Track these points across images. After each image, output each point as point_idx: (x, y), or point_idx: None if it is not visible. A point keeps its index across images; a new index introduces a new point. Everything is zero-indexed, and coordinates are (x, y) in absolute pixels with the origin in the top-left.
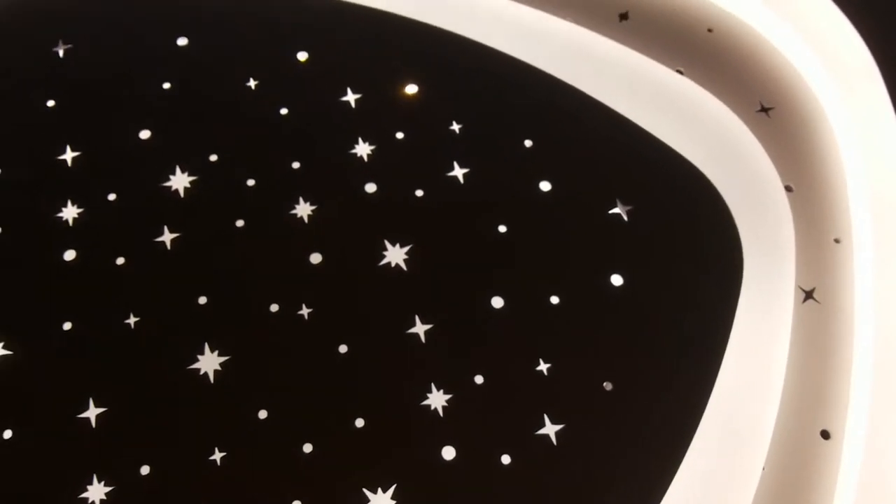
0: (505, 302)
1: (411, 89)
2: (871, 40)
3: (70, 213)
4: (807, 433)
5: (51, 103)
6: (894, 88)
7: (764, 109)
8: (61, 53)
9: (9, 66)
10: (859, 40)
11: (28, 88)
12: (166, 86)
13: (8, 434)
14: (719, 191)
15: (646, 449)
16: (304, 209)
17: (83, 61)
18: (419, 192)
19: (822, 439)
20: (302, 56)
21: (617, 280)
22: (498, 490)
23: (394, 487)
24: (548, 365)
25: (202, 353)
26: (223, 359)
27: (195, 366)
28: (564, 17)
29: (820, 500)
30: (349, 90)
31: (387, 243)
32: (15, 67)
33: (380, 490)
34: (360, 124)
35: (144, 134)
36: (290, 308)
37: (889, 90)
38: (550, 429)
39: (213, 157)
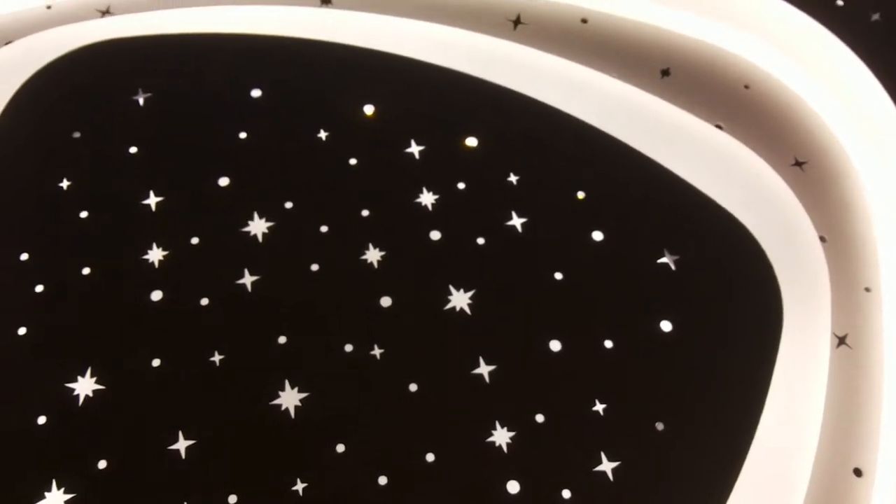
0: (562, 345)
1: (471, 142)
2: None
3: (156, 255)
4: (840, 470)
5: (133, 150)
6: None
7: (798, 163)
8: (141, 102)
9: (92, 114)
10: (887, 98)
11: (112, 135)
12: (242, 135)
13: (102, 464)
14: (758, 241)
15: (695, 485)
16: (373, 255)
17: (163, 110)
18: (480, 240)
19: (854, 476)
20: (369, 110)
21: (666, 326)
22: None
23: None
24: (603, 405)
25: (283, 389)
26: (303, 395)
27: (277, 401)
28: (611, 74)
29: None
30: (413, 142)
31: (451, 288)
32: (98, 115)
33: None
34: (424, 175)
35: (223, 181)
36: (363, 348)
37: None
38: (607, 465)
39: (289, 205)
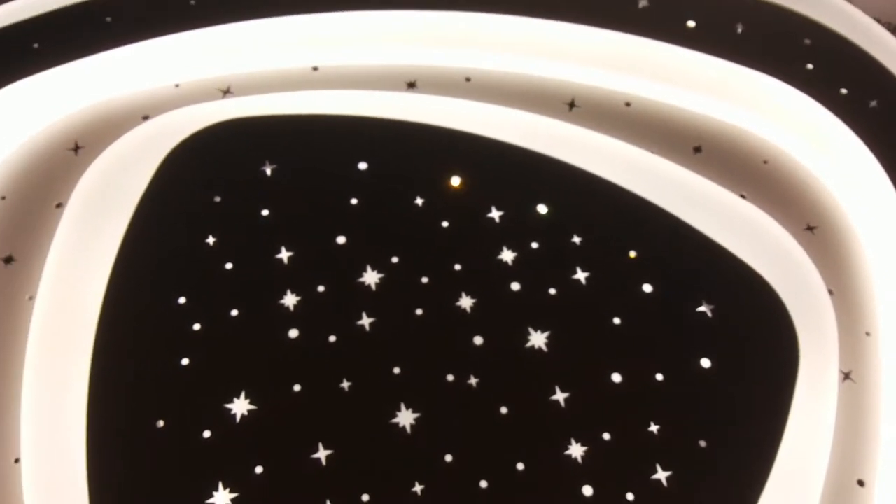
0: (622, 377)
1: (543, 209)
2: (892, 172)
3: (290, 300)
4: (847, 481)
5: (265, 213)
6: None
7: (809, 228)
8: (269, 172)
9: (229, 182)
10: (882, 172)
11: (247, 200)
12: (354, 201)
13: (259, 469)
14: (778, 293)
15: (729, 493)
16: (466, 302)
17: (287, 179)
18: (552, 291)
19: (858, 486)
20: (456, 181)
21: (705, 363)
22: None
23: None
24: (657, 426)
25: (399, 410)
26: (416, 415)
27: (395, 420)
28: (651, 150)
29: None
30: (494, 208)
31: (530, 329)
32: (234, 183)
33: None
34: (503, 236)
35: (341, 239)
36: (462, 378)
37: None
38: (662, 475)
39: (395, 259)
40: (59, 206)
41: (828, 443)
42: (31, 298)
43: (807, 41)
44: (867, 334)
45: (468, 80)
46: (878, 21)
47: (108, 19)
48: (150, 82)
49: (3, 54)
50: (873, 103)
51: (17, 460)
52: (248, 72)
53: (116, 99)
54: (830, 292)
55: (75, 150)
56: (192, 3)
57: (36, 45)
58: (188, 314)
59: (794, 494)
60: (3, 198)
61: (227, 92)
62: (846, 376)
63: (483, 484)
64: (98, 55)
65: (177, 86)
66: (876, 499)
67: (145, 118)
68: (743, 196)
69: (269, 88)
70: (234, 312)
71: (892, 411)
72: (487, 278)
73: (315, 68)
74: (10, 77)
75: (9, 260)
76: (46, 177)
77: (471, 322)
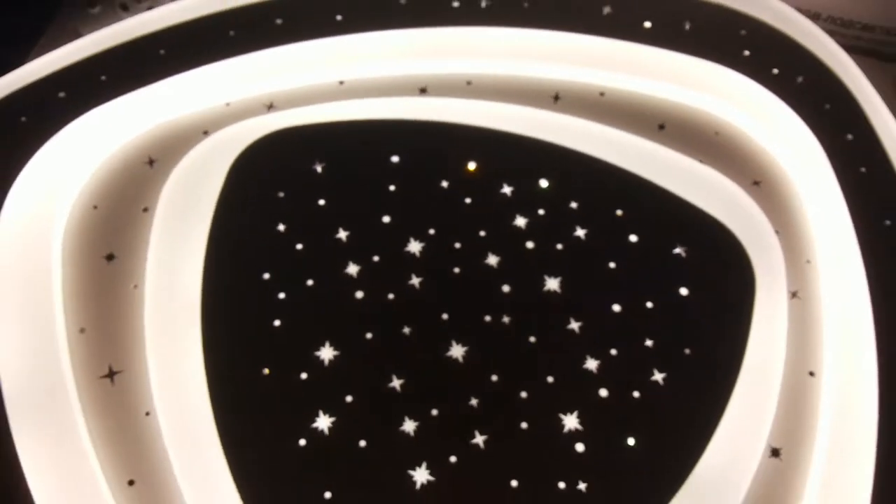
0: (620, 307)
1: (544, 183)
2: (818, 133)
3: (353, 269)
4: (800, 373)
5: (321, 202)
6: (836, 166)
7: (756, 183)
8: (319, 170)
9: (288, 180)
10: (810, 133)
11: (305, 193)
12: (391, 188)
13: (349, 398)
14: (736, 235)
15: (709, 387)
16: (492, 259)
17: (335, 174)
18: (559, 246)
19: (810, 377)
20: (472, 166)
21: (684, 291)
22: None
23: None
24: (651, 341)
25: (451, 345)
26: (465, 348)
27: (449, 353)
28: (624, 129)
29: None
30: (505, 185)
31: (546, 277)
32: (292, 181)
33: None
34: (516, 207)
35: (386, 219)
36: (497, 318)
37: (833, 166)
38: (658, 376)
39: (432, 231)
40: (146, 210)
41: (783, 346)
42: (136, 286)
43: (743, 32)
44: (808, 262)
45: (469, 83)
46: (800, 10)
47: (162, 52)
48: (205, 103)
49: (77, 86)
50: (800, 79)
51: (147, 413)
52: (286, 89)
53: (178, 119)
54: (777, 232)
55: (150, 164)
56: (232, 34)
57: (103, 78)
58: (273, 286)
59: (760, 387)
60: (96, 207)
61: (270, 107)
62: (794, 295)
63: (523, 395)
64: (158, 83)
65: (227, 104)
66: (824, 384)
67: (205, 133)
68: (701, 161)
69: (304, 101)
70: (310, 282)
71: (831, 319)
72: (507, 240)
73: (341, 82)
74: (86, 106)
75: (110, 257)
76: (129, 187)
77: (498, 275)
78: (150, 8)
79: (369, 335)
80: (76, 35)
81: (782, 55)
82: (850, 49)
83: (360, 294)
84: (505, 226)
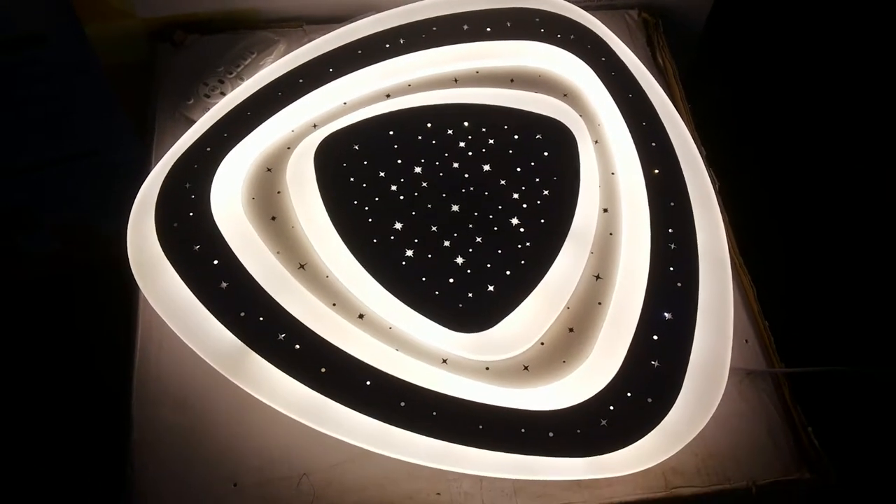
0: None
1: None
2: (598, 71)
3: (418, 211)
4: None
5: (381, 174)
6: (602, 78)
7: (565, 95)
8: (366, 163)
9: (356, 163)
10: (593, 74)
11: (373, 170)
12: (417, 170)
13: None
14: (569, 128)
15: None
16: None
17: (387, 153)
18: (518, 169)
19: (594, 279)
20: (466, 123)
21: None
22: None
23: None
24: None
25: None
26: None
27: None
28: (496, 87)
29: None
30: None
31: (523, 190)
32: (362, 163)
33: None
34: (503, 156)
35: (425, 183)
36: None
37: (600, 78)
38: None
39: (455, 165)
40: (279, 193)
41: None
42: (294, 227)
43: (537, 19)
44: (595, 142)
45: (455, 80)
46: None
47: (281, 93)
48: (284, 131)
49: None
50: (572, 36)
51: (301, 266)
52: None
53: (270, 146)
54: (581, 116)
55: (269, 171)
56: (300, 81)
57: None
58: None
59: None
60: (254, 198)
61: (314, 126)
62: (596, 143)
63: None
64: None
65: (314, 126)
66: (611, 288)
67: (288, 149)
68: (535, 92)
69: (340, 112)
70: (398, 226)
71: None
72: (507, 163)
73: (388, 95)
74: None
75: (273, 218)
76: (261, 184)
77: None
78: (238, 77)
79: (433, 228)
80: (190, 122)
81: (560, 25)
82: (593, 10)
83: (398, 225)
84: (505, 164)
